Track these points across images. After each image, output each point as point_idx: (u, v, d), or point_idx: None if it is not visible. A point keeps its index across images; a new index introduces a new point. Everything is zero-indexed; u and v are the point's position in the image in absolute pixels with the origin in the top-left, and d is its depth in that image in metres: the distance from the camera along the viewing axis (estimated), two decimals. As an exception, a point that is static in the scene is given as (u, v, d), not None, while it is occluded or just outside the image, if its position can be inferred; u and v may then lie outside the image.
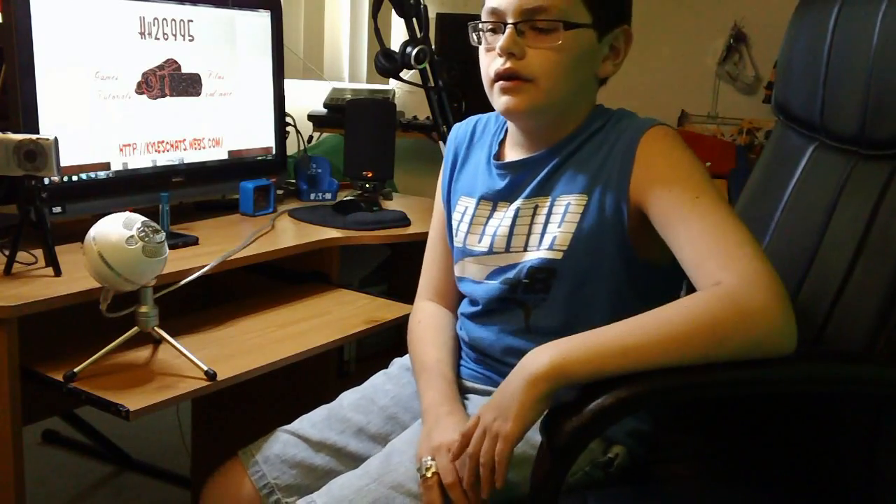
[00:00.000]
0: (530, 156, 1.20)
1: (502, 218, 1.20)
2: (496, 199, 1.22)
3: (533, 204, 1.18)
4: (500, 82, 1.14)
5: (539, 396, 0.95)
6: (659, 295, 1.03)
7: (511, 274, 1.17)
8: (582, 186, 1.14)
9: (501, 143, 1.27)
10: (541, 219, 1.16)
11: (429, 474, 1.05)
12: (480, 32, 1.17)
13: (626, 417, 1.15)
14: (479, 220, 1.23)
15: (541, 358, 0.96)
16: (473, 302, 1.25)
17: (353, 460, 1.22)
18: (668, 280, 1.13)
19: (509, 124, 1.25)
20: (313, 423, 1.26)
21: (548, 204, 1.16)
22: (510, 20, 1.12)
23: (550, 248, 1.13)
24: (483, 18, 1.17)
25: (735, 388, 1.05)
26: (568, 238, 1.13)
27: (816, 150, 1.29)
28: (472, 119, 1.34)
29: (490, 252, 1.20)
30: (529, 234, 1.17)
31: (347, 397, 1.31)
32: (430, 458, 1.06)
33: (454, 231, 1.28)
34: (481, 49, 1.18)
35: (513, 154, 1.24)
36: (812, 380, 1.01)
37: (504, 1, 1.12)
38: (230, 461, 1.26)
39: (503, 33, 1.13)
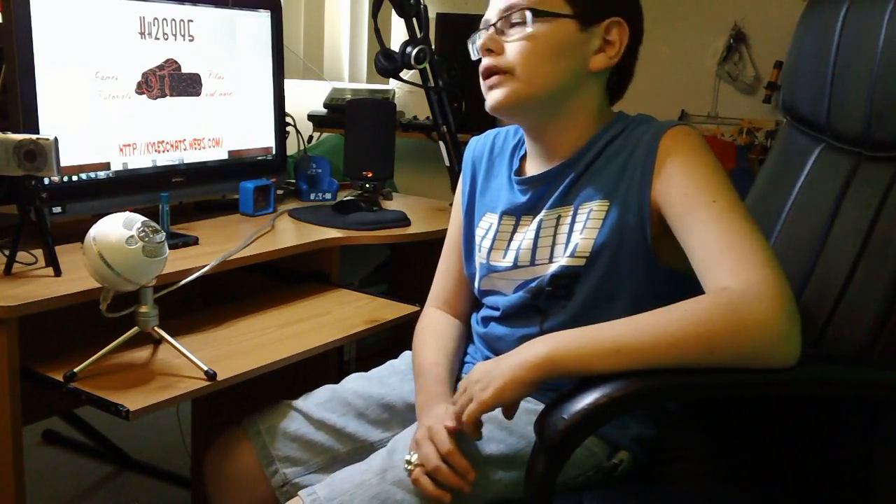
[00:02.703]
0: (550, 168, 1.19)
1: (526, 232, 1.20)
2: (519, 213, 1.22)
3: (556, 214, 1.17)
4: (485, 81, 1.17)
5: (525, 381, 0.97)
6: (676, 299, 1.02)
7: (534, 283, 1.17)
8: (604, 192, 1.13)
9: (523, 159, 1.27)
10: (564, 228, 1.16)
11: (410, 467, 1.07)
12: (475, 45, 1.20)
13: (632, 423, 1.16)
14: (503, 235, 1.23)
15: (537, 347, 0.98)
16: (494, 307, 1.25)
17: (352, 441, 1.26)
18: (691, 288, 1.13)
19: (525, 138, 1.25)
20: (316, 402, 1.29)
21: (571, 213, 1.16)
22: (492, 23, 1.16)
23: (572, 256, 1.13)
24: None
25: (728, 391, 1.05)
26: (589, 244, 1.12)
27: (822, 152, 1.28)
28: (490, 133, 1.34)
29: (514, 267, 1.20)
30: (554, 244, 1.16)
31: (352, 381, 1.34)
32: (411, 453, 1.08)
33: (477, 247, 1.27)
34: None
35: (533, 168, 1.23)
36: (804, 383, 0.99)
37: (489, 11, 1.18)
38: (233, 430, 1.29)
39: None
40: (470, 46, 1.22)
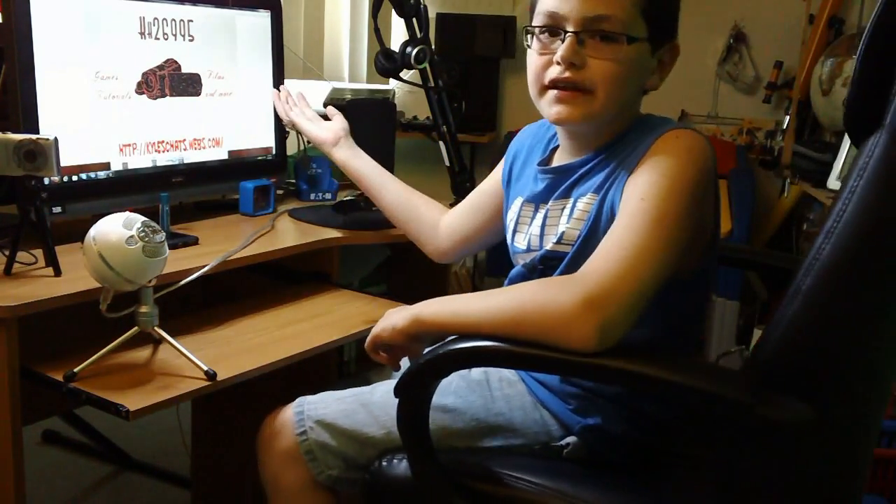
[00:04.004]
0: (569, 161, 1.23)
1: (539, 218, 1.25)
2: (537, 201, 1.27)
3: (561, 205, 1.22)
4: (556, 91, 1.14)
5: (398, 329, 1.11)
6: (672, 303, 1.07)
7: (528, 259, 1.24)
8: (596, 187, 1.17)
9: (554, 150, 1.30)
10: (564, 219, 1.20)
11: None
12: (534, 35, 1.16)
13: (595, 413, 1.19)
14: (524, 220, 1.29)
15: (411, 309, 1.12)
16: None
17: None
18: (680, 289, 1.14)
19: (558, 130, 1.27)
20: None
21: (571, 203, 1.20)
22: (571, 28, 1.11)
23: (559, 242, 1.19)
24: (538, 21, 1.15)
25: (522, 364, 1.13)
26: (574, 233, 1.16)
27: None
28: (538, 122, 1.36)
29: (528, 250, 1.26)
30: (556, 232, 1.21)
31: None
32: None
33: (506, 230, 1.35)
34: (532, 52, 1.17)
35: (559, 160, 1.27)
36: (591, 368, 1.00)
37: (565, 6, 1.11)
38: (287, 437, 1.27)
39: (561, 39, 1.12)
40: (527, 37, 1.17)
